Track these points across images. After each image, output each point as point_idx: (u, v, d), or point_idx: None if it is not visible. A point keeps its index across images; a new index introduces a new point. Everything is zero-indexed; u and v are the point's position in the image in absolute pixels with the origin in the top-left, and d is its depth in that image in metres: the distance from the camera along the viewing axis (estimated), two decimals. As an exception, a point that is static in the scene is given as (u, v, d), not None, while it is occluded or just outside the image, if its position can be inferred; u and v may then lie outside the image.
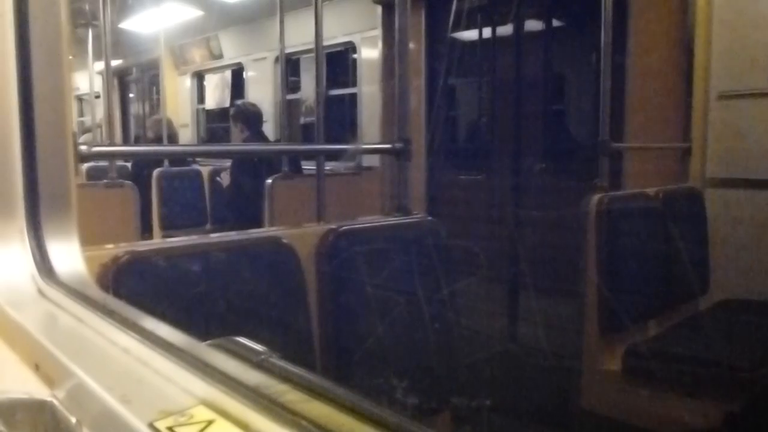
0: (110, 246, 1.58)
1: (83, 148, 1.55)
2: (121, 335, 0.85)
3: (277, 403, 0.60)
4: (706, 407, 2.43)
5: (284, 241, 1.88)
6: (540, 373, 3.59)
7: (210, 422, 0.60)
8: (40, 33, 1.18)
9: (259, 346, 0.78)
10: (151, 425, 0.60)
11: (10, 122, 1.15)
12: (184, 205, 5.67)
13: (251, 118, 5.07)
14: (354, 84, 6.57)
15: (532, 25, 4.82)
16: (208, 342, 0.80)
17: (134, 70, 10.17)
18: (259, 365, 0.73)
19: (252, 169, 4.72)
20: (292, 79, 7.19)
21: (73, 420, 0.72)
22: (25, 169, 1.16)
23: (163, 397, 0.67)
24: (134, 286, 1.52)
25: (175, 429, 0.59)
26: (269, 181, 4.21)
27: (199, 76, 9.23)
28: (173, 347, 0.78)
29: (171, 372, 0.72)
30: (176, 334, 0.83)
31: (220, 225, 5.68)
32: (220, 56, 8.50)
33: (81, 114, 11.56)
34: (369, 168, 5.70)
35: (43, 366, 0.87)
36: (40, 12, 1.17)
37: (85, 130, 10.02)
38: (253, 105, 5.73)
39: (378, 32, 5.48)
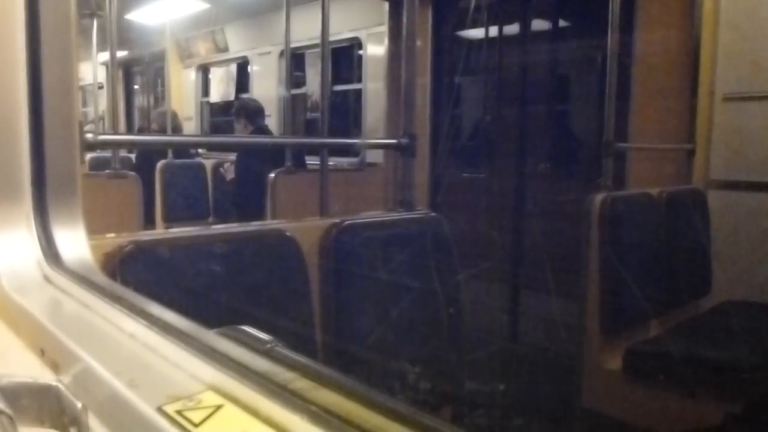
0: (114, 235, 1.58)
1: (89, 136, 1.55)
2: (128, 321, 0.85)
3: (287, 390, 0.60)
4: (706, 408, 2.43)
5: (288, 234, 1.88)
6: (540, 371, 3.59)
7: (219, 407, 0.60)
8: (49, 21, 1.17)
9: (266, 335, 0.78)
10: (159, 409, 0.60)
11: (19, 108, 1.14)
12: (187, 198, 5.65)
13: (253, 113, 5.07)
14: (359, 80, 6.56)
15: (539, 24, 4.81)
16: (215, 330, 0.80)
17: (139, 61, 10.14)
18: (267, 353, 0.73)
19: (257, 164, 4.72)
20: (297, 74, 7.17)
21: (79, 405, 0.72)
22: (32, 155, 1.16)
23: (171, 382, 0.67)
24: (138, 276, 1.52)
25: (184, 413, 0.59)
26: (272, 175, 4.20)
27: (204, 69, 9.20)
28: (181, 333, 0.78)
29: (179, 358, 0.72)
30: (183, 320, 0.83)
31: (223, 219, 5.67)
32: (226, 50, 8.48)
33: (84, 105, 11.52)
34: (372, 164, 5.69)
35: (48, 351, 0.87)
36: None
37: (87, 123, 9.97)
38: (254, 100, 5.74)
39: (384, 28, 5.47)
